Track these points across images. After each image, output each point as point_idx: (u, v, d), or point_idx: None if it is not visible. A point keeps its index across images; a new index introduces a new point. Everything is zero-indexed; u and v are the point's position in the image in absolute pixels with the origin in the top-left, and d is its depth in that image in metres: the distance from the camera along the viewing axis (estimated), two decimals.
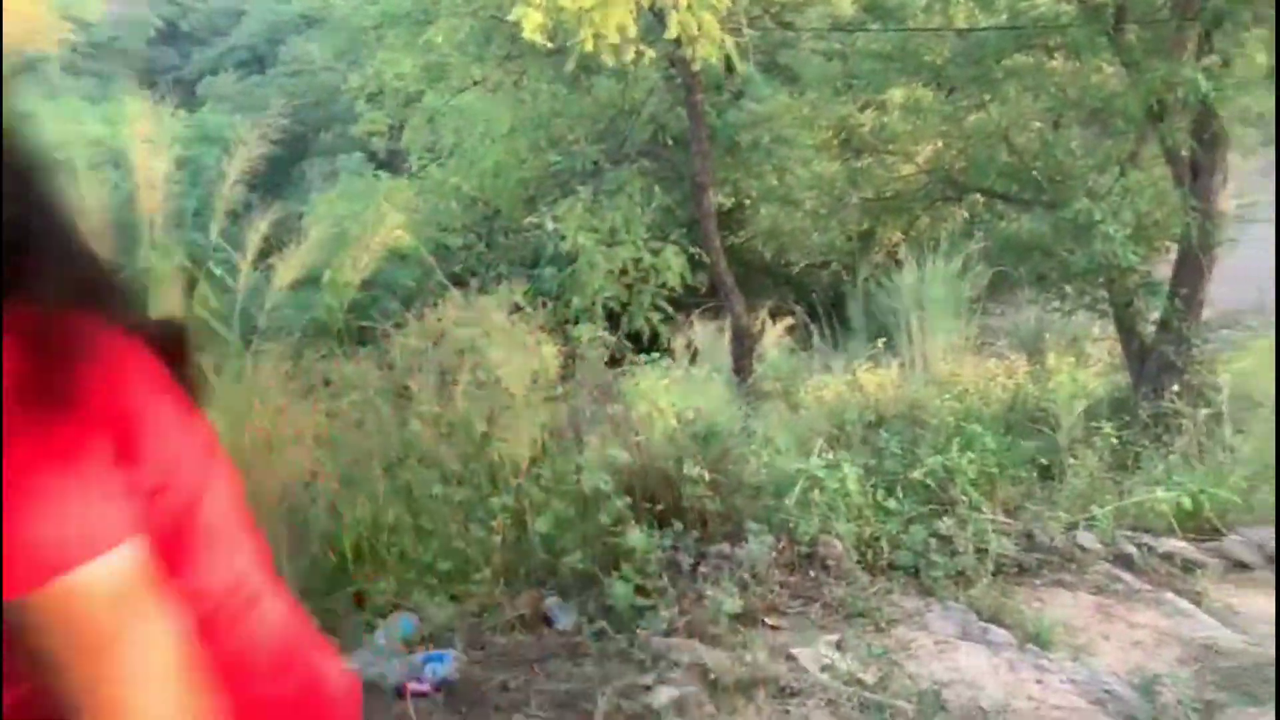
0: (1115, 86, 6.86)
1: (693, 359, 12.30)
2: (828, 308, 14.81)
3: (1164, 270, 7.81)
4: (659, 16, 6.89)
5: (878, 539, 3.64)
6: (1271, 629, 3.60)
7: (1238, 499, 4.52)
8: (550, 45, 6.82)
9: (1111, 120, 7.62)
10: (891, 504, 3.78)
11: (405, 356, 4.47)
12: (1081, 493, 4.61)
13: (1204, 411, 5.82)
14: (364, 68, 13.58)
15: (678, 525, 3.70)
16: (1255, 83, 6.07)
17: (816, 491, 3.71)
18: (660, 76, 12.18)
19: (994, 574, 3.56)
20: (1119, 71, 6.61)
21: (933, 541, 3.63)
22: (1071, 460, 5.21)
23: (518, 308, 4.90)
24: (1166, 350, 7.59)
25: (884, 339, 12.57)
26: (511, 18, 6.70)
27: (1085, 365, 11.26)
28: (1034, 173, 8.21)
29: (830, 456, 3.84)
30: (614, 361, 6.26)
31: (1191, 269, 7.36)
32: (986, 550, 3.63)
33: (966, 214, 11.72)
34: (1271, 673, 2.91)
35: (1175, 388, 7.69)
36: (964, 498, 3.87)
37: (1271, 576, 3.90)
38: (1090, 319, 9.79)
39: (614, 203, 10.86)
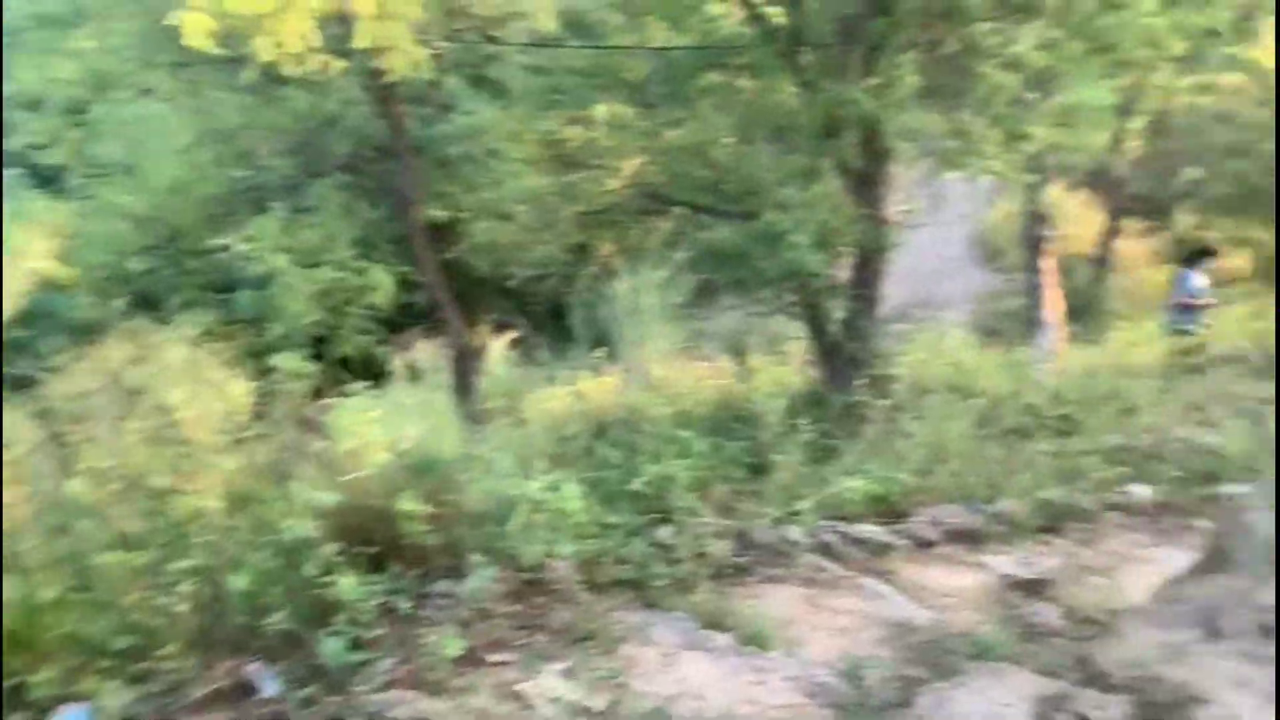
0: (794, 105, 7.39)
1: (417, 381, 11.93)
2: (550, 319, 14.94)
3: (845, 274, 8.56)
4: (348, 25, 6.59)
5: (601, 556, 3.63)
6: (952, 600, 3.98)
7: (917, 481, 4.98)
8: (225, 52, 6.28)
9: (793, 136, 8.20)
10: (613, 518, 3.79)
11: (67, 403, 3.90)
12: (787, 487, 4.88)
13: (885, 402, 6.37)
14: (9, 74, 11.93)
15: (395, 566, 3.49)
16: (910, 102, 6.76)
17: (539, 514, 3.63)
18: (360, 87, 11.69)
19: (713, 578, 3.66)
20: (797, 91, 7.12)
21: (654, 552, 3.68)
22: (776, 456, 5.53)
23: (206, 338, 4.44)
24: (851, 347, 8.30)
25: (604, 348, 12.85)
26: (171, 22, 6.08)
27: (783, 364, 12.14)
28: (728, 186, 8.69)
29: (552, 477, 3.78)
30: (322, 392, 5.87)
31: (867, 272, 8.10)
32: (705, 555, 3.72)
33: (672, 225, 12.23)
34: (955, 643, 3.18)
35: (861, 381, 8.45)
36: (681, 504, 3.95)
37: (951, 551, 4.32)
38: (786, 321, 10.54)
39: (312, 220, 10.23)
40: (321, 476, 3.79)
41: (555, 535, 3.56)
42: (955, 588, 4.01)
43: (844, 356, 8.32)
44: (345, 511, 3.68)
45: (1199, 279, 10.63)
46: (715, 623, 3.31)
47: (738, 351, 15.94)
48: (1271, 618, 2.39)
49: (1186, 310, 10.37)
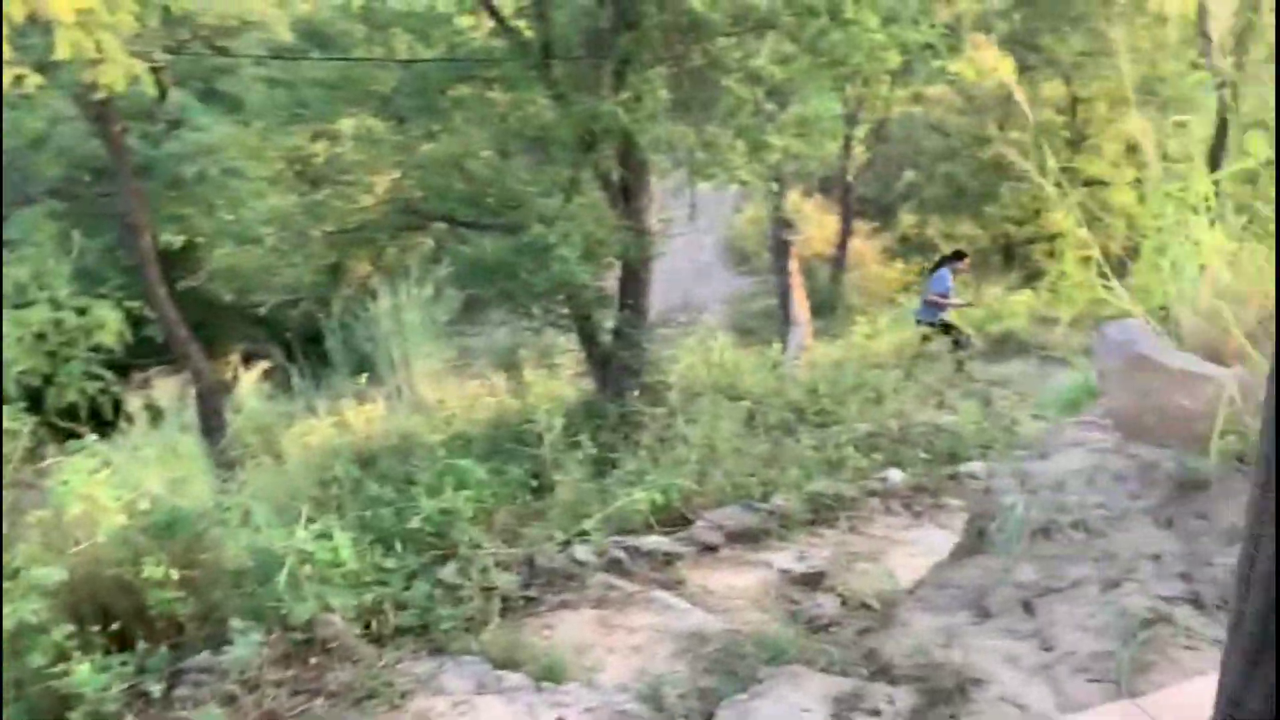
0: (550, 118, 7.36)
1: (159, 425, 10.86)
2: (305, 346, 14.11)
3: (612, 284, 8.64)
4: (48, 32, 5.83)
5: (380, 604, 3.38)
6: (740, 602, 4.05)
7: (696, 485, 5.05)
8: None
9: (550, 149, 8.17)
10: (390, 562, 3.55)
11: None
12: (571, 506, 4.81)
13: (660, 410, 6.45)
14: None
15: (143, 643, 3.09)
16: (662, 114, 6.91)
17: (308, 566, 3.34)
18: (72, 102, 10.51)
19: (503, 613, 3.51)
20: (551, 104, 7.10)
21: (438, 593, 3.48)
22: (558, 475, 5.45)
23: None
24: (623, 356, 8.38)
25: (367, 372, 12.29)
26: None
27: (557, 376, 12.11)
28: (489, 199, 8.54)
29: (319, 525, 3.48)
30: (42, 450, 5.16)
31: (634, 281, 8.21)
32: (493, 589, 3.56)
33: (432, 241, 11.89)
34: (748, 649, 3.21)
35: (634, 389, 8.56)
36: (464, 538, 3.77)
37: (734, 552, 4.40)
38: (557, 333, 10.50)
39: (19, 254, 9.06)
40: (45, 550, 3.29)
41: (327, 588, 3.28)
42: (741, 589, 4.08)
43: (617, 366, 8.39)
44: (77, 586, 3.23)
45: (947, 280, 11.30)
46: (508, 661, 3.16)
47: (509, 366, 15.79)
48: (1032, 594, 2.57)
49: (934, 307, 11.16)
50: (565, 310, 8.57)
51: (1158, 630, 2.30)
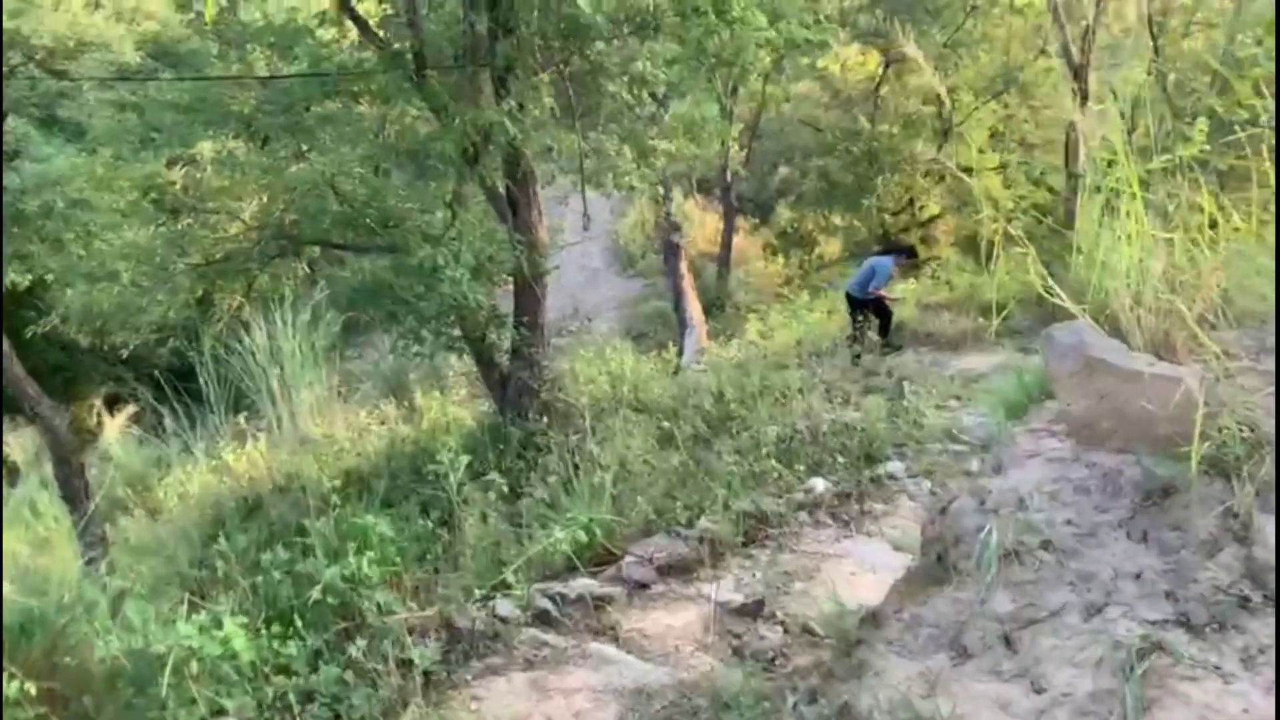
0: (430, 131, 6.96)
1: (10, 488, 9.91)
2: (176, 385, 13.20)
3: (507, 302, 8.26)
4: None
5: (284, 696, 2.97)
6: (680, 643, 3.78)
7: (618, 516, 4.77)
8: None
9: (432, 163, 7.76)
10: (291, 646, 3.12)
11: None
12: (486, 551, 4.47)
13: (571, 435, 6.14)
14: None
15: None
16: (547, 123, 6.60)
17: (195, 662, 2.89)
18: None
19: (424, 689, 3.13)
20: (431, 116, 6.70)
21: (348, 676, 3.08)
22: (469, 520, 5.08)
23: None
24: (522, 375, 8.03)
25: (246, 409, 11.55)
26: None
27: (450, 398, 11.63)
28: (367, 219, 8.06)
29: (204, 613, 3.03)
30: None
31: (528, 297, 7.87)
32: (410, 663, 3.19)
33: (307, 266, 11.26)
34: (699, 701, 2.94)
35: (537, 410, 8.21)
36: (372, 607, 3.38)
37: (667, 588, 4.13)
38: (449, 355, 10.03)
39: None
40: None
41: (220, 687, 2.84)
42: (680, 629, 3.82)
43: (516, 386, 8.04)
44: None
45: (889, 268, 11.22)
46: None
47: (398, 391, 15.17)
48: (1012, 627, 2.37)
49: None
50: (457, 332, 8.16)
51: (1154, 661, 2.13)
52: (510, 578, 3.89)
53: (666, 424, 7.33)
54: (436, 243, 6.88)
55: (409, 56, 6.35)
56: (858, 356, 10.61)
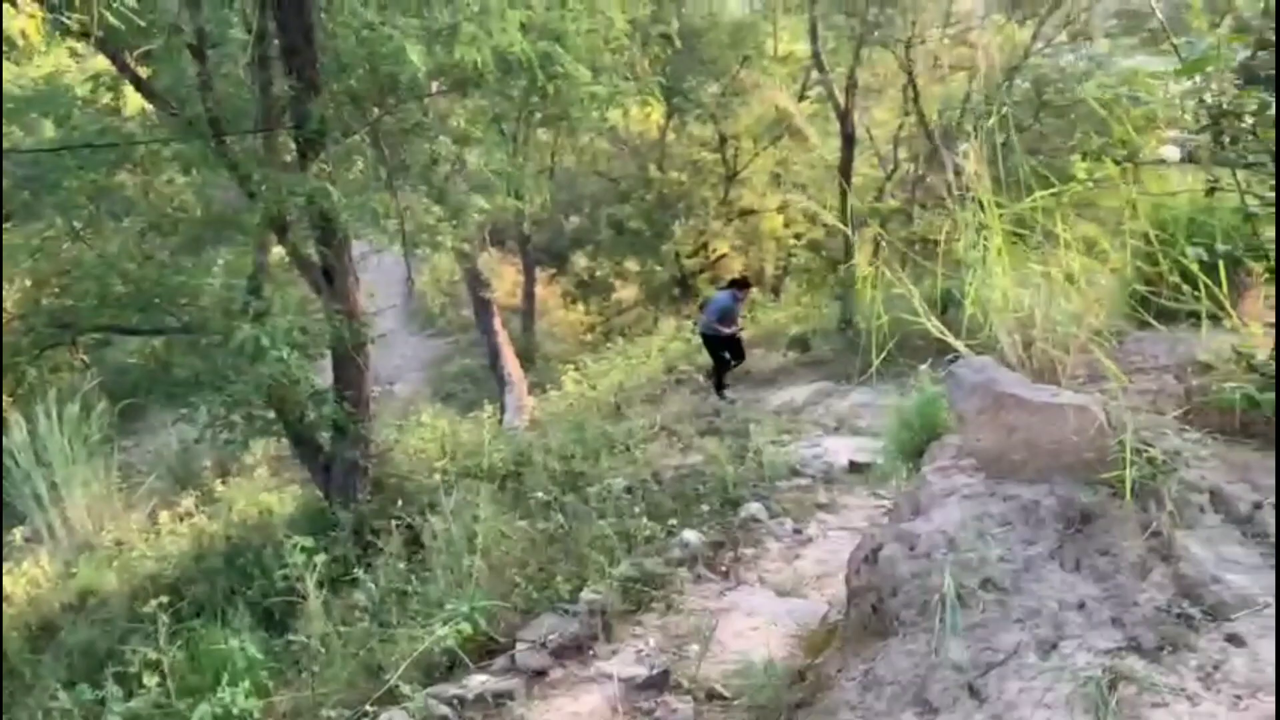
0: (231, 200, 6.41)
1: None
2: None
3: (324, 377, 7.71)
4: None
5: None
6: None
7: (496, 599, 4.47)
8: None
9: (229, 233, 7.16)
10: None
11: None
12: (359, 663, 4.04)
13: (416, 514, 5.75)
14: None
15: None
16: (367, 186, 6.24)
17: None
18: None
19: None
20: (234, 184, 6.17)
21: None
22: (330, 628, 4.61)
23: None
24: (348, 454, 7.51)
25: (20, 523, 10.23)
26: None
27: (267, 484, 10.74)
28: (157, 299, 7.31)
29: None
30: None
31: (350, 370, 7.38)
32: None
33: (82, 354, 10.13)
34: None
35: (366, 489, 7.69)
36: None
37: (565, 672, 3.88)
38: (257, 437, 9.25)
39: None
40: None
41: None
42: (588, 715, 3.58)
43: (343, 465, 7.50)
44: None
45: (729, 303, 10.69)
46: None
47: (190, 481, 13.91)
48: (973, 675, 2.34)
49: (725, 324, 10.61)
50: (272, 414, 7.52)
51: (1122, 691, 2.14)
52: (397, 684, 3.51)
53: (513, 488, 7.06)
54: (239, 318, 6.32)
55: (204, 122, 5.82)
56: (720, 391, 10.72)
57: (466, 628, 3.90)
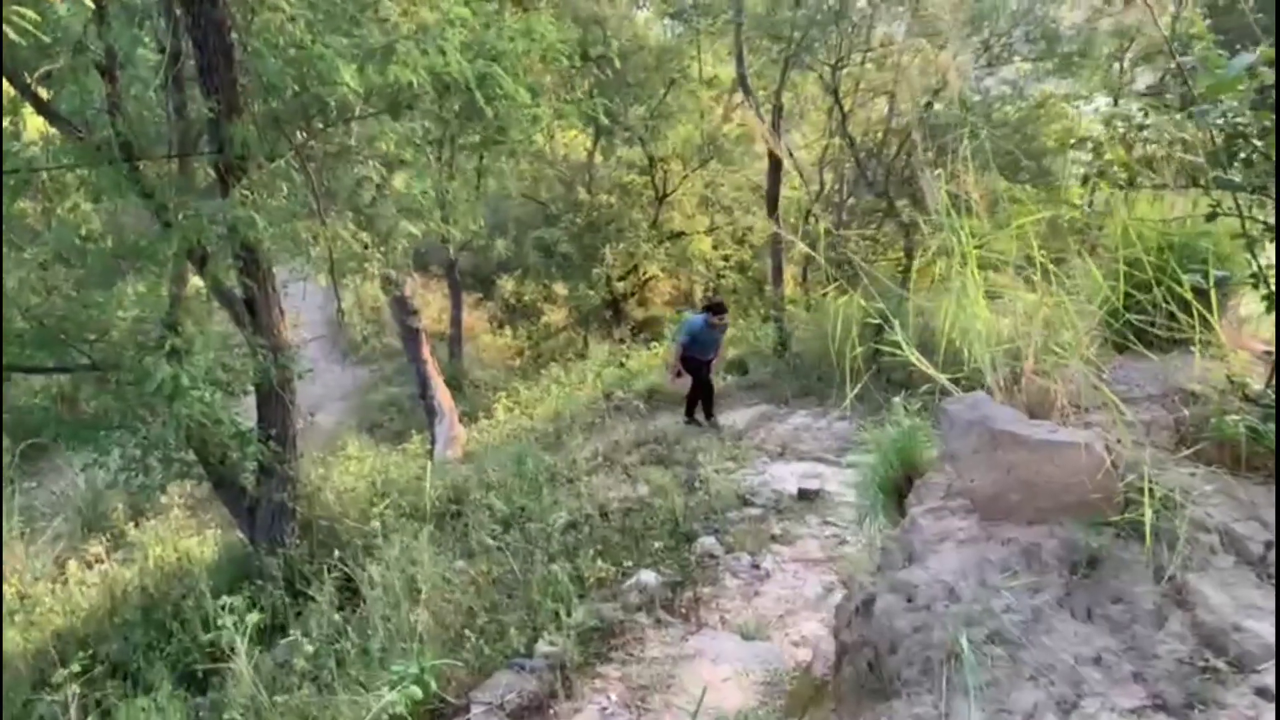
0: (144, 228, 5.98)
1: None
2: None
3: (247, 414, 7.27)
4: None
5: None
6: None
7: (445, 656, 4.17)
8: None
9: (142, 264, 6.69)
10: None
11: None
12: None
13: (372, 565, 5.39)
14: None
15: None
16: (297, 213, 5.89)
17: None
18: None
19: None
20: (150, 213, 5.75)
21: None
22: (239, 685, 4.25)
23: None
24: (275, 496, 7.08)
25: None
26: None
27: (175, 529, 10.13)
28: (63, 335, 6.80)
29: None
30: None
31: (275, 407, 6.98)
32: None
33: None
34: None
35: (294, 532, 7.26)
36: None
37: None
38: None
39: None
40: None
41: None
42: None
43: (270, 509, 7.08)
44: None
45: (691, 327, 10.00)
46: None
47: (98, 525, 13.15)
48: None
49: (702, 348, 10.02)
50: (191, 455, 7.06)
51: None
52: None
53: (453, 527, 6.74)
54: (154, 354, 5.89)
55: (115, 146, 5.41)
56: (692, 415, 10.26)
57: (416, 691, 3.58)
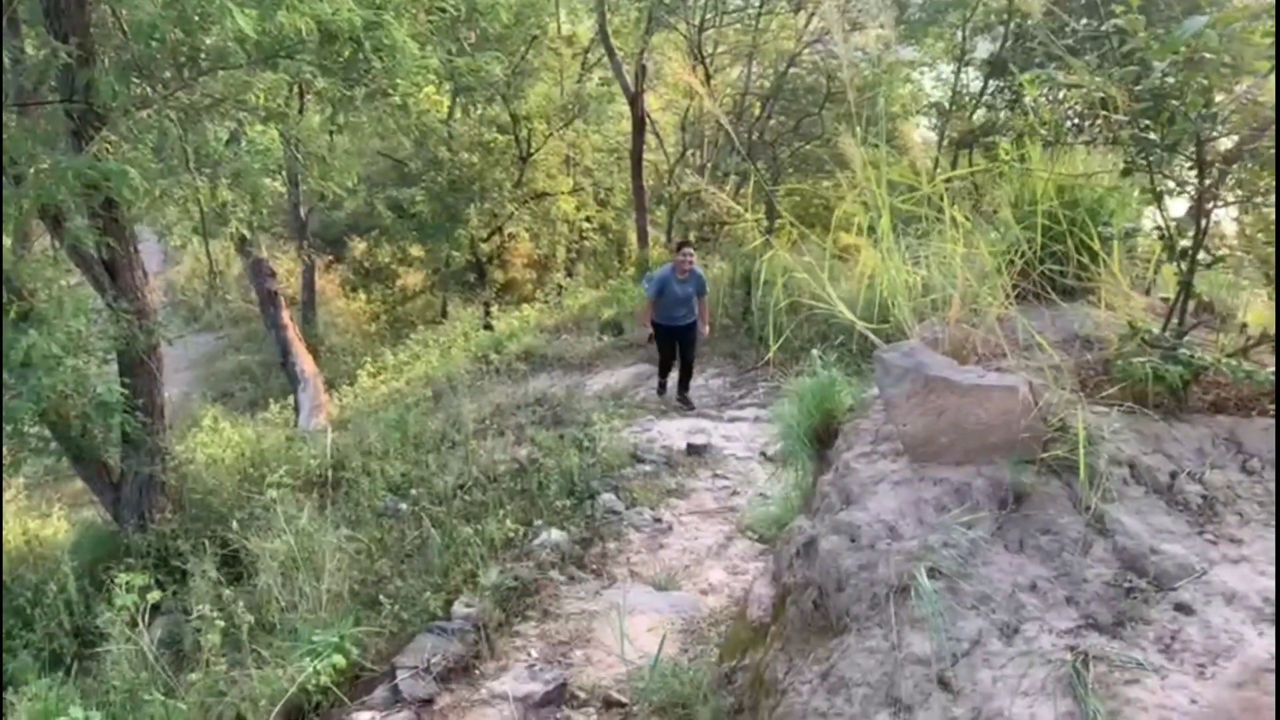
0: None
1: None
2: None
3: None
4: None
5: None
6: None
7: (358, 624, 4.07)
8: None
9: None
10: None
11: None
12: (198, 702, 3.54)
13: (256, 538, 5.17)
14: None
15: None
16: (165, 168, 5.49)
17: None
18: None
19: None
20: None
21: None
22: (120, 664, 4.04)
23: None
24: (143, 470, 6.68)
25: None
26: None
27: (19, 510, 9.43)
28: None
29: None
30: None
31: (141, 377, 6.55)
32: None
33: None
34: None
35: (165, 508, 6.89)
36: None
37: (455, 697, 3.57)
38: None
39: None
40: None
41: None
42: None
43: (137, 484, 6.67)
44: None
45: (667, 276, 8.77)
46: None
47: None
48: (941, 668, 2.29)
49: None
50: (43, 430, 6.56)
51: (1093, 670, 2.16)
52: None
53: (336, 495, 6.54)
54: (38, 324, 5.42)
55: None
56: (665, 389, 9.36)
57: (339, 659, 3.49)
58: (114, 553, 6.60)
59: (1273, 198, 2.55)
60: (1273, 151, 2.32)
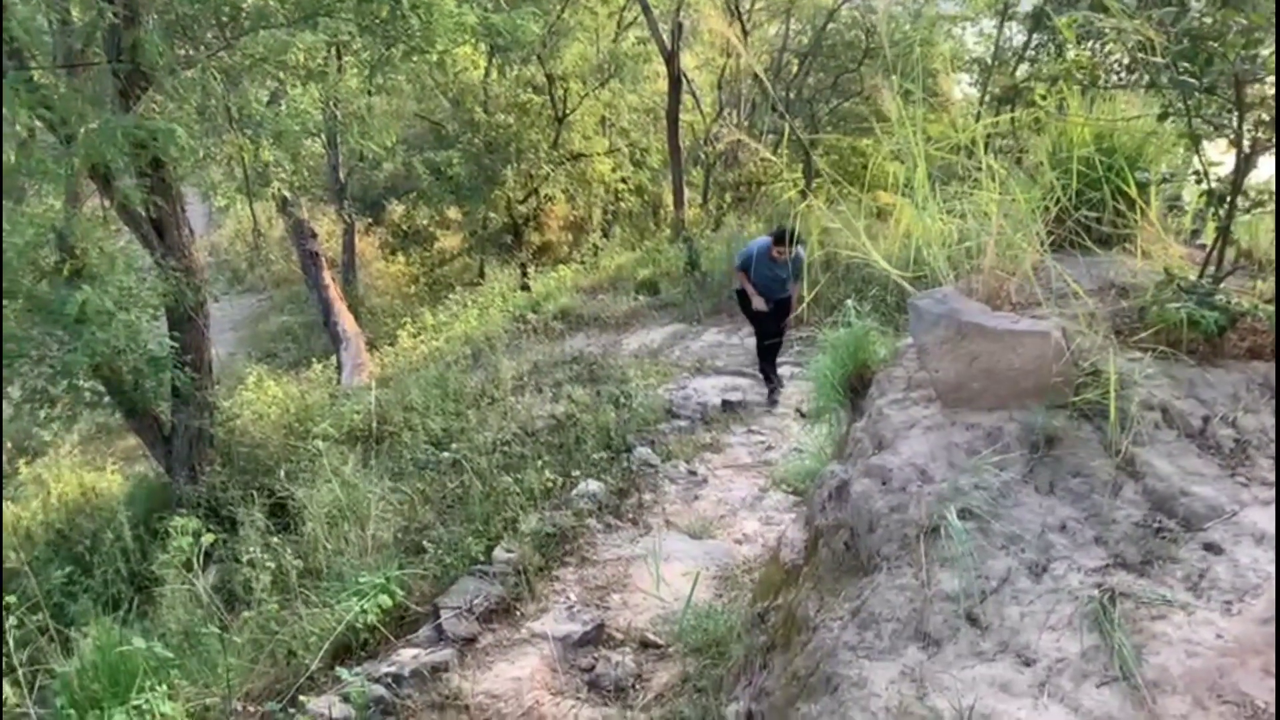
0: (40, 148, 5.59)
1: None
2: None
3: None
4: None
5: None
6: (536, 697, 3.39)
7: (405, 565, 4.20)
8: None
9: (42, 185, 6.29)
10: None
11: None
12: (253, 640, 3.69)
13: (303, 489, 5.32)
14: None
15: None
16: (211, 128, 5.60)
17: None
18: None
19: None
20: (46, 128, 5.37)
21: None
22: (174, 608, 4.22)
23: None
24: (193, 424, 6.88)
25: None
26: None
27: (76, 464, 9.74)
28: None
29: None
30: None
31: (190, 333, 6.74)
32: None
33: None
34: None
35: (214, 461, 7.09)
36: None
37: (497, 637, 3.69)
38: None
39: None
40: None
41: None
42: (528, 678, 3.42)
43: (187, 437, 6.87)
44: None
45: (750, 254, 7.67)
46: None
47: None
48: (970, 604, 2.35)
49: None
50: (99, 381, 6.76)
51: (1120, 607, 2.21)
52: (320, 668, 3.23)
53: (380, 449, 6.70)
54: (53, 277, 5.60)
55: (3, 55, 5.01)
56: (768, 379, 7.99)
57: (385, 600, 3.63)
58: (166, 503, 6.83)
59: None
60: None
